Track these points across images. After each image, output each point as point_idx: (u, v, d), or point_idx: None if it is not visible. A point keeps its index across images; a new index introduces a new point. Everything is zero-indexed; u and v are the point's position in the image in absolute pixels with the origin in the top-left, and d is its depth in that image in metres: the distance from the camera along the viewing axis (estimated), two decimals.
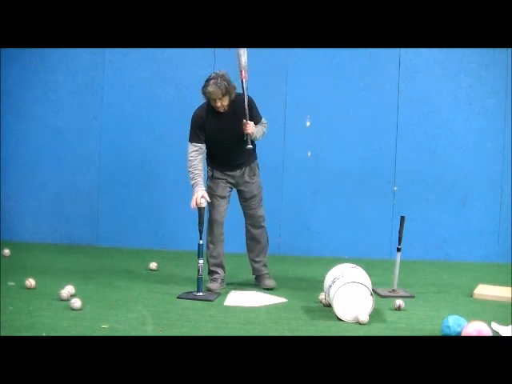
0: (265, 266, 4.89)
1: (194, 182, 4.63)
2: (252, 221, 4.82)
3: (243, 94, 4.60)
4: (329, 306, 4.12)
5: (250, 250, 4.89)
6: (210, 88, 4.49)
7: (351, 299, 3.93)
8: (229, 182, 4.77)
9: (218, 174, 4.74)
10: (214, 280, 4.69)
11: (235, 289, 4.71)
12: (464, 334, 3.38)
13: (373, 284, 4.19)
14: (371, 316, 3.93)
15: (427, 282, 5.19)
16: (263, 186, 4.85)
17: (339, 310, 3.95)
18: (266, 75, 5.88)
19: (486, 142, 6.08)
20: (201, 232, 4.48)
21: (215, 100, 4.53)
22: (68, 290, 4.27)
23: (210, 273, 4.73)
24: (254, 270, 4.90)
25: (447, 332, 3.52)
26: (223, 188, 4.75)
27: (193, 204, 4.57)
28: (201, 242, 4.46)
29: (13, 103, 6.21)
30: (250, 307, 4.24)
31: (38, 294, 4.34)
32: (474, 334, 3.33)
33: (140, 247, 6.15)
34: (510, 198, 6.03)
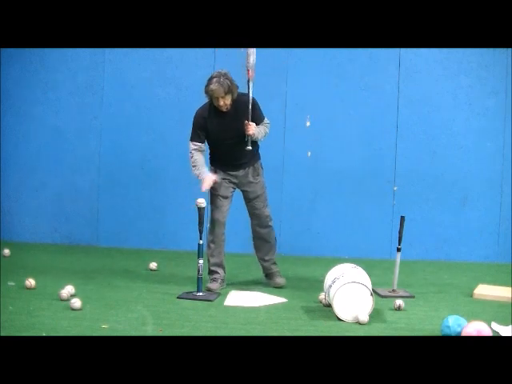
0: (274, 264, 4.90)
1: (198, 171, 4.64)
2: (258, 221, 4.82)
3: (248, 93, 4.60)
4: (329, 306, 4.12)
5: (257, 249, 4.89)
6: (213, 86, 4.49)
7: (351, 299, 3.93)
8: (232, 182, 4.77)
9: (220, 174, 4.74)
10: (214, 280, 4.69)
11: (235, 289, 4.71)
12: (464, 334, 3.38)
13: (373, 284, 4.19)
14: (371, 316, 3.93)
15: (427, 281, 5.19)
16: None
17: (339, 310, 3.95)
18: (266, 75, 5.87)
19: (486, 142, 6.08)
20: (201, 232, 4.47)
21: (218, 98, 4.53)
22: (68, 289, 4.27)
23: (210, 272, 4.73)
24: (264, 269, 4.92)
25: (447, 332, 3.52)
26: (226, 188, 4.75)
27: (206, 186, 4.57)
28: (201, 242, 4.46)
29: (13, 103, 6.21)
30: (250, 307, 4.24)
31: (38, 293, 4.34)
32: (474, 333, 3.33)
33: (140, 247, 6.15)
34: (510, 198, 6.03)
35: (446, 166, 6.09)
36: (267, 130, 4.76)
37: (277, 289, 4.74)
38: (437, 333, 3.62)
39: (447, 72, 6.07)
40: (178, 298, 4.40)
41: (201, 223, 4.49)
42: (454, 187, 6.10)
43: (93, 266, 5.35)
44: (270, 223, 4.85)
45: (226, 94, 4.51)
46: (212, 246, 4.73)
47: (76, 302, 3.99)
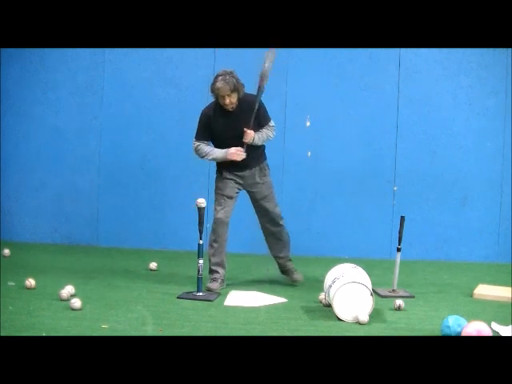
0: (289, 260, 4.93)
1: (213, 156, 4.68)
2: (268, 220, 4.82)
3: (255, 95, 4.59)
4: (329, 306, 4.12)
5: (270, 247, 4.92)
6: (219, 84, 4.50)
7: (351, 299, 3.93)
8: (237, 183, 4.76)
9: (226, 174, 4.74)
10: (214, 280, 4.69)
11: (235, 289, 4.71)
12: (464, 334, 3.38)
13: (373, 284, 4.19)
14: (371, 316, 3.93)
15: (427, 281, 5.19)
16: None
17: (339, 310, 3.95)
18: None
19: (486, 142, 6.07)
20: (201, 232, 4.47)
21: (223, 97, 4.53)
22: (68, 289, 4.27)
23: (211, 272, 4.73)
24: (279, 266, 4.95)
25: (447, 332, 3.52)
26: (231, 188, 4.75)
27: (238, 148, 4.60)
28: (201, 242, 4.46)
29: (13, 103, 6.21)
30: (250, 307, 4.24)
31: (38, 293, 4.34)
32: (474, 333, 3.33)
33: (140, 247, 6.15)
34: (510, 198, 6.03)
35: (446, 165, 6.09)
36: (270, 134, 4.76)
37: (277, 289, 4.74)
38: (437, 333, 3.61)
39: (447, 72, 6.07)
40: (177, 298, 4.40)
41: (201, 223, 4.49)
42: (454, 187, 6.10)
43: (93, 266, 5.35)
44: (280, 222, 4.85)
45: (231, 92, 4.52)
46: (214, 245, 4.73)
47: (76, 302, 3.99)
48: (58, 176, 6.24)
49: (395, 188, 6.10)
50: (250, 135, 4.61)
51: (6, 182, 6.24)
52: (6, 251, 5.50)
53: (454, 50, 5.94)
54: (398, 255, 4.67)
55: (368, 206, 6.11)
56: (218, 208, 4.73)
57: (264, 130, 4.71)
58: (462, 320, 3.53)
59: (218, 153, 4.67)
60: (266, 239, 4.91)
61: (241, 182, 4.77)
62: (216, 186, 4.78)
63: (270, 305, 4.33)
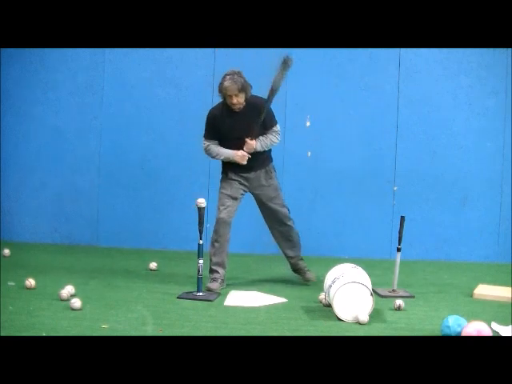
0: (301, 259, 4.93)
1: (222, 156, 4.69)
2: (276, 221, 4.83)
3: (264, 101, 4.60)
4: (329, 306, 4.12)
5: (281, 247, 4.93)
6: (227, 83, 4.51)
7: (351, 299, 3.93)
8: (243, 185, 4.77)
9: (232, 175, 4.75)
10: (214, 280, 4.68)
11: (235, 289, 4.71)
12: (464, 334, 3.37)
13: (373, 284, 4.19)
14: (371, 316, 3.93)
15: (427, 281, 5.19)
16: None
17: (339, 310, 3.95)
18: (266, 75, 5.86)
19: (486, 142, 6.07)
20: (201, 232, 4.47)
21: (231, 96, 4.54)
22: (68, 289, 4.27)
23: (211, 272, 4.73)
24: (291, 265, 4.96)
25: (447, 332, 3.51)
26: (236, 189, 4.75)
27: (241, 151, 4.62)
28: (201, 241, 4.45)
29: (13, 103, 6.21)
30: (250, 307, 4.24)
31: (38, 293, 4.34)
32: (474, 334, 3.33)
33: (140, 247, 6.14)
34: (510, 198, 6.03)
35: (446, 165, 6.09)
36: (274, 140, 4.74)
37: (277, 289, 4.74)
38: (437, 333, 3.61)
39: (447, 72, 6.07)
40: (178, 298, 4.40)
41: (201, 223, 4.48)
42: (454, 187, 6.10)
43: (93, 266, 5.34)
44: (288, 222, 4.85)
45: (239, 91, 4.52)
46: (216, 245, 4.73)
47: (76, 302, 3.99)
48: (58, 176, 6.24)
49: (395, 188, 6.10)
50: (251, 146, 4.63)
51: (5, 182, 6.24)
52: (6, 251, 5.50)
53: (453, 49, 5.93)
54: (398, 255, 4.67)
55: (368, 206, 6.11)
56: (221, 208, 4.73)
57: (268, 136, 4.71)
58: (462, 320, 3.53)
59: (228, 153, 4.68)
60: (276, 240, 4.92)
61: (246, 183, 4.77)
62: (221, 186, 4.78)
63: (269, 305, 4.33)
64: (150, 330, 3.65)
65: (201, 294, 4.44)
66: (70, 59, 6.15)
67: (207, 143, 4.73)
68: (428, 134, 6.09)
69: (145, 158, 6.20)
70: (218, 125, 4.67)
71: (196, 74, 6.12)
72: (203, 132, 4.76)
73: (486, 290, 4.73)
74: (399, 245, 4.68)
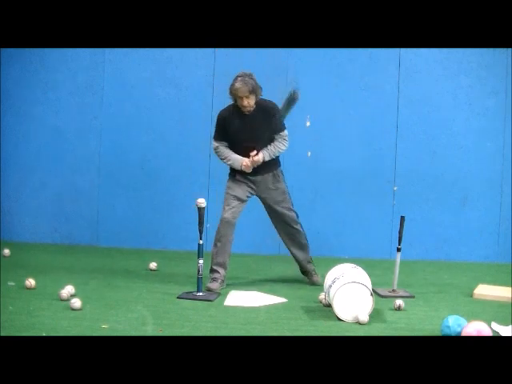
0: (309, 262, 4.95)
1: (230, 161, 4.71)
2: (283, 224, 4.85)
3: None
4: (329, 306, 4.12)
5: (289, 249, 4.95)
6: (238, 84, 4.51)
7: (351, 299, 3.93)
8: (250, 187, 4.77)
9: (239, 177, 4.76)
10: (215, 280, 4.68)
11: (235, 289, 4.71)
12: (464, 334, 3.37)
13: (373, 284, 4.18)
14: (371, 316, 3.93)
15: (427, 281, 5.19)
16: None
17: (339, 310, 3.94)
18: (266, 75, 5.87)
19: (486, 142, 6.08)
20: (201, 232, 4.47)
21: (241, 98, 4.54)
22: (68, 289, 4.27)
23: (211, 271, 4.73)
24: (300, 267, 4.98)
25: (447, 332, 3.51)
26: (243, 191, 4.76)
27: (246, 161, 4.63)
28: (201, 241, 4.45)
29: (13, 103, 6.21)
30: (250, 307, 4.24)
31: (38, 293, 4.34)
32: (474, 334, 3.32)
33: (140, 247, 6.15)
34: (510, 198, 6.03)
35: (446, 165, 6.09)
36: (281, 147, 4.74)
37: (277, 289, 4.74)
38: (437, 333, 3.61)
39: (447, 72, 6.07)
40: (178, 298, 4.40)
41: (201, 223, 4.48)
42: (454, 187, 6.10)
43: (93, 266, 5.34)
44: (296, 226, 4.86)
45: (250, 93, 4.53)
46: (218, 244, 4.73)
47: (76, 302, 3.99)
48: (58, 176, 6.24)
49: (395, 188, 6.10)
50: (257, 160, 4.64)
51: (6, 182, 6.24)
52: (6, 251, 5.50)
53: (454, 49, 5.94)
54: (398, 255, 4.67)
55: (368, 206, 6.11)
56: (227, 208, 4.73)
57: (275, 144, 4.70)
58: (462, 320, 3.53)
59: (235, 160, 4.68)
60: (284, 242, 4.95)
61: (253, 186, 4.78)
62: (227, 186, 4.78)
63: (269, 305, 4.33)
64: (150, 329, 3.65)
65: (201, 293, 4.44)
66: (70, 59, 6.15)
67: (217, 144, 4.74)
68: (428, 134, 6.09)
69: (145, 158, 6.20)
70: (227, 126, 4.68)
71: (196, 74, 6.12)
72: (213, 133, 4.78)
73: (486, 290, 4.73)
74: (399, 245, 4.68)
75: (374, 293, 4.35)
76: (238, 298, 4.45)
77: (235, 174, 4.76)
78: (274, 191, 4.79)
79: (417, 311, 4.23)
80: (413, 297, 4.59)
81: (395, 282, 4.68)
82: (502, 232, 6.07)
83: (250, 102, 4.57)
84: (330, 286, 4.05)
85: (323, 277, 4.35)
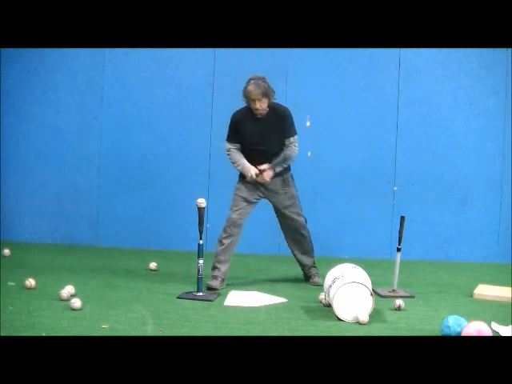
0: (312, 267, 4.97)
1: (241, 167, 4.72)
2: (290, 228, 4.88)
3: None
4: (329, 306, 4.12)
5: (293, 254, 4.97)
6: (251, 87, 4.54)
7: (351, 299, 3.93)
8: (259, 190, 4.79)
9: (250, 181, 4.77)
10: (215, 278, 4.69)
11: (235, 289, 4.71)
12: (464, 334, 3.37)
13: (373, 284, 4.19)
14: (371, 316, 3.93)
15: (427, 281, 5.19)
16: None
17: (339, 310, 3.94)
18: (266, 75, 5.86)
19: (486, 142, 6.08)
20: (201, 232, 4.47)
21: (254, 101, 4.56)
22: (68, 289, 4.27)
23: (213, 269, 4.74)
24: (303, 272, 5.01)
25: (447, 332, 3.51)
26: (252, 193, 4.77)
27: (252, 173, 4.65)
28: (201, 242, 4.46)
29: (13, 103, 6.21)
30: (250, 307, 4.24)
31: (38, 293, 4.34)
32: (474, 333, 3.32)
33: (140, 247, 6.15)
34: (510, 198, 6.03)
35: (446, 165, 6.09)
36: (292, 155, 4.78)
37: (277, 289, 4.74)
38: (437, 333, 3.61)
39: (447, 72, 6.07)
40: (178, 298, 4.40)
41: (201, 223, 4.49)
42: (454, 187, 6.10)
43: (93, 266, 5.34)
44: (303, 231, 4.89)
45: (262, 96, 4.56)
46: (224, 242, 4.74)
47: (76, 302, 3.99)
48: (58, 176, 6.24)
49: (395, 188, 6.10)
50: (268, 176, 4.67)
51: (6, 182, 6.24)
52: (6, 251, 5.50)
53: (454, 50, 5.94)
54: (398, 255, 4.67)
55: (368, 206, 6.11)
56: (234, 208, 4.75)
57: (285, 154, 4.73)
58: (462, 320, 3.53)
59: (244, 167, 4.69)
60: (288, 246, 4.97)
61: (262, 189, 4.79)
62: (237, 187, 4.80)
63: (269, 305, 4.33)
64: (150, 329, 3.65)
65: (201, 294, 4.44)
66: (70, 59, 6.15)
67: (229, 146, 4.74)
68: (428, 134, 6.09)
69: (145, 158, 6.20)
70: (240, 128, 4.69)
71: (196, 74, 6.12)
72: (226, 136, 4.78)
73: (486, 290, 4.73)
74: (399, 245, 4.68)
75: (374, 293, 4.35)
76: (238, 298, 4.45)
77: (245, 178, 4.77)
78: (283, 195, 4.81)
79: (417, 311, 4.23)
80: (413, 297, 4.59)
81: (395, 282, 4.68)
82: (502, 232, 6.07)
83: (262, 105, 4.59)
84: (330, 286, 4.05)
85: (323, 277, 4.35)
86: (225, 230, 4.76)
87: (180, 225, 6.12)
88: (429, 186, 6.10)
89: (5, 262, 5.18)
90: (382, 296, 4.55)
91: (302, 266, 4.97)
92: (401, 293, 4.63)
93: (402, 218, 4.72)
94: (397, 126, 6.08)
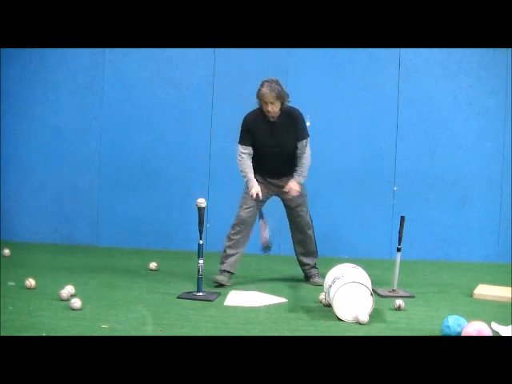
0: (313, 268, 4.98)
1: (246, 179, 4.73)
2: (297, 227, 4.89)
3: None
4: (329, 306, 4.12)
5: (296, 254, 4.98)
6: (264, 89, 4.55)
7: (351, 299, 3.93)
8: (269, 189, 4.81)
9: (259, 178, 4.79)
10: (221, 272, 4.74)
11: (235, 289, 4.71)
12: (464, 334, 3.37)
13: (373, 284, 4.19)
14: (371, 316, 3.93)
15: (427, 282, 5.19)
16: None
17: (339, 310, 3.94)
18: (266, 75, 5.87)
19: (486, 142, 6.08)
20: (201, 232, 4.47)
21: (267, 104, 4.57)
22: (68, 290, 4.27)
23: (220, 263, 4.78)
24: (304, 272, 5.01)
25: (447, 332, 3.51)
26: (263, 191, 4.77)
27: (253, 193, 4.68)
28: (201, 242, 4.46)
29: (13, 103, 6.21)
30: (249, 307, 4.24)
31: (38, 293, 4.34)
32: (474, 333, 3.32)
33: (140, 247, 6.15)
34: (510, 198, 6.04)
35: (446, 165, 6.09)
36: (308, 159, 4.79)
37: (277, 289, 4.74)
38: (437, 333, 3.61)
39: (447, 72, 6.07)
40: (178, 297, 4.40)
41: (201, 223, 4.49)
42: (454, 187, 6.10)
43: (93, 266, 5.34)
44: (308, 231, 4.91)
45: (275, 99, 4.57)
46: (233, 237, 4.77)
47: (76, 302, 3.99)
48: (58, 176, 6.24)
49: (395, 188, 6.10)
50: (295, 192, 4.71)
51: (6, 182, 6.24)
52: (6, 251, 5.50)
53: (454, 50, 5.94)
54: (398, 255, 4.67)
55: (368, 206, 6.11)
56: (244, 206, 4.77)
57: (303, 164, 4.75)
58: (462, 320, 3.53)
59: (249, 181, 4.72)
60: (293, 246, 4.98)
61: (273, 188, 4.82)
62: (246, 186, 4.80)
63: (269, 305, 4.33)
64: (150, 329, 3.65)
65: (201, 294, 4.45)
66: (70, 59, 6.15)
67: (242, 150, 4.73)
68: (428, 134, 6.09)
69: (145, 158, 6.20)
70: (252, 130, 4.70)
71: (196, 74, 6.12)
72: (238, 138, 4.78)
73: (486, 290, 4.73)
74: (399, 245, 4.68)
75: (374, 293, 4.35)
76: (238, 298, 4.45)
77: (256, 175, 4.77)
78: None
79: (417, 311, 4.23)
80: (413, 297, 4.59)
81: (395, 282, 4.68)
82: (502, 232, 6.07)
83: (274, 108, 4.60)
84: (330, 286, 4.05)
85: (323, 277, 4.35)
86: (233, 227, 4.78)
87: (180, 225, 6.12)
88: (429, 186, 6.10)
89: (5, 262, 5.18)
90: (382, 296, 4.55)
91: (304, 265, 4.97)
92: (401, 293, 4.63)
93: (402, 218, 4.72)
94: (397, 126, 6.09)
